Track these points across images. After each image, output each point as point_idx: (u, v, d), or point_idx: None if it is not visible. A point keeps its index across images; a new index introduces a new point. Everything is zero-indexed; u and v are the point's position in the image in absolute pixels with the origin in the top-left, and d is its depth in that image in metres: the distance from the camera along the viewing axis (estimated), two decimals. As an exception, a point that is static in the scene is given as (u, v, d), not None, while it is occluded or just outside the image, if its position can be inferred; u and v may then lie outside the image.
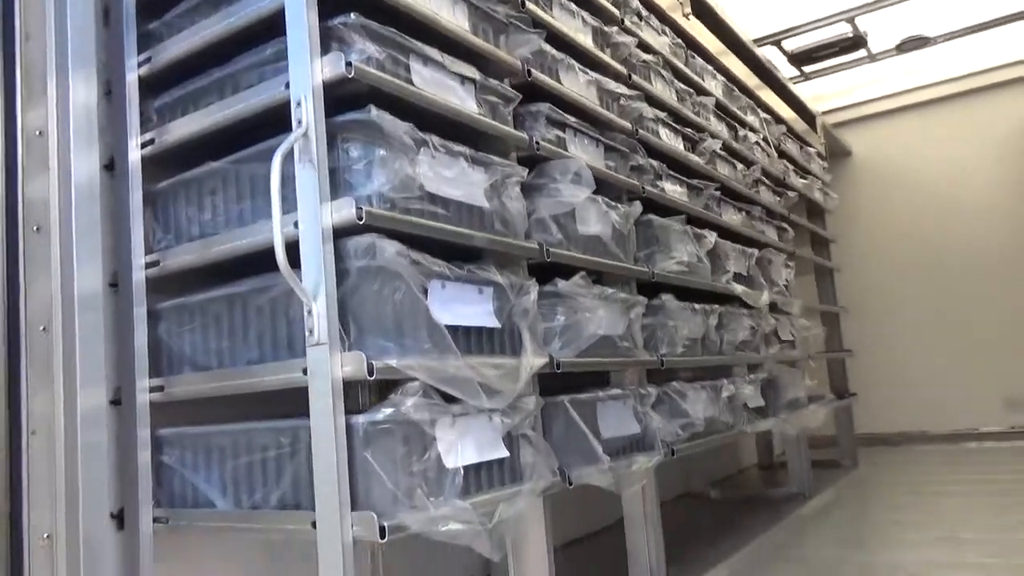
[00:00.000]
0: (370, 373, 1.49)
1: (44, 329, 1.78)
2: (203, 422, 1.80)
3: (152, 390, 1.82)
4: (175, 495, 1.80)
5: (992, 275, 5.86)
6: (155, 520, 1.79)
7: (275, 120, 1.68)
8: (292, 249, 1.55)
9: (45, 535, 1.72)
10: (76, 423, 1.72)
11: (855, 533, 3.42)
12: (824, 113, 6.01)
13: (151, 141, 1.89)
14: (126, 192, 1.86)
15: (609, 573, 2.44)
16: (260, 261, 1.69)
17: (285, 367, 1.61)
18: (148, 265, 1.86)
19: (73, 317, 1.76)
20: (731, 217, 3.59)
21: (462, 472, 1.59)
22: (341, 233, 1.56)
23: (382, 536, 1.43)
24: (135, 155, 1.88)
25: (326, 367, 1.50)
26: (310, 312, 1.52)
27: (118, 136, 1.89)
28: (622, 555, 2.53)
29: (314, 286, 1.52)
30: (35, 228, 1.82)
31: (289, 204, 1.59)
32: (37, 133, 1.84)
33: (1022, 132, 5.90)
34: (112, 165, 1.88)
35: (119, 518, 1.76)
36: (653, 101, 2.96)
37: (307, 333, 1.52)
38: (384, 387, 1.60)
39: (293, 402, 1.68)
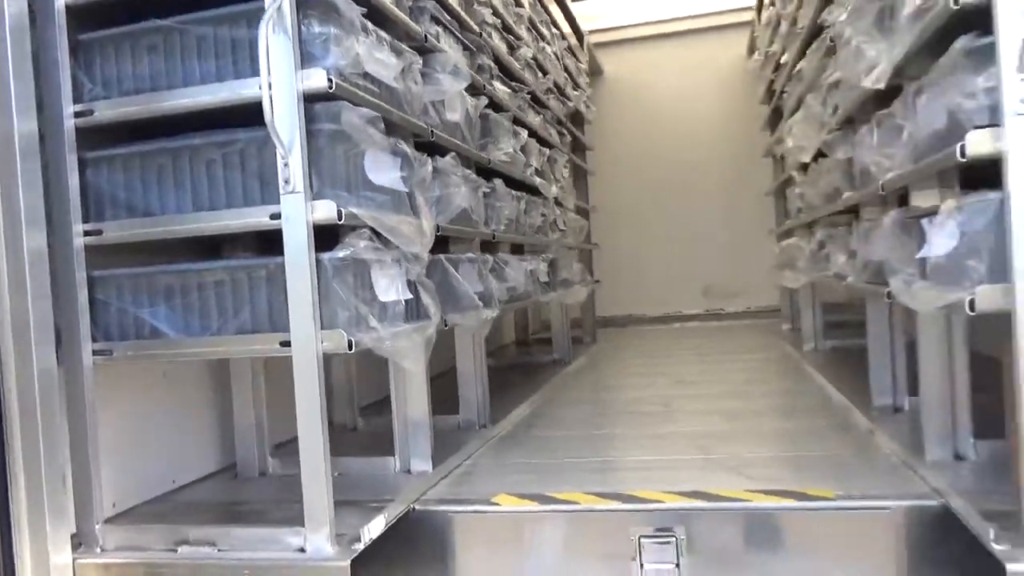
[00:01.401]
0: (340, 218, 1.81)
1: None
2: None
3: (88, 234, 1.95)
4: (122, 329, 1.96)
5: (708, 186, 7.12)
6: (96, 353, 1.95)
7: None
8: (253, 109, 1.79)
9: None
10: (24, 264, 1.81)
11: (609, 382, 4.30)
12: (589, 32, 6.74)
13: (76, -10, 1.93)
14: (53, 39, 1.90)
15: (452, 401, 2.98)
16: (211, 117, 1.89)
17: (251, 212, 1.86)
18: (78, 114, 1.94)
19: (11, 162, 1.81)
20: (533, 119, 4.14)
21: (403, 304, 1.99)
22: (310, 99, 1.82)
23: (350, 348, 1.80)
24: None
25: (301, 212, 1.79)
26: (287, 164, 1.79)
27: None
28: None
29: (290, 142, 1.78)
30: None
31: (250, 70, 1.82)
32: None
33: (738, 69, 7.14)
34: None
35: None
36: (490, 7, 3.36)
37: (282, 182, 1.79)
38: (328, 232, 1.91)
39: (229, 248, 1.94)
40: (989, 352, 2.24)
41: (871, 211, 2.71)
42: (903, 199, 2.34)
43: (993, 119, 1.52)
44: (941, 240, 1.67)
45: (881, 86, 1.99)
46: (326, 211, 1.80)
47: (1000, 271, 1.51)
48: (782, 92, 4.60)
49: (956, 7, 1.53)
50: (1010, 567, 1.43)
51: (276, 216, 1.82)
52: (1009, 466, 1.89)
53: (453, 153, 2.61)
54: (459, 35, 2.86)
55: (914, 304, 1.83)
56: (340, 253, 1.85)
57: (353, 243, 1.89)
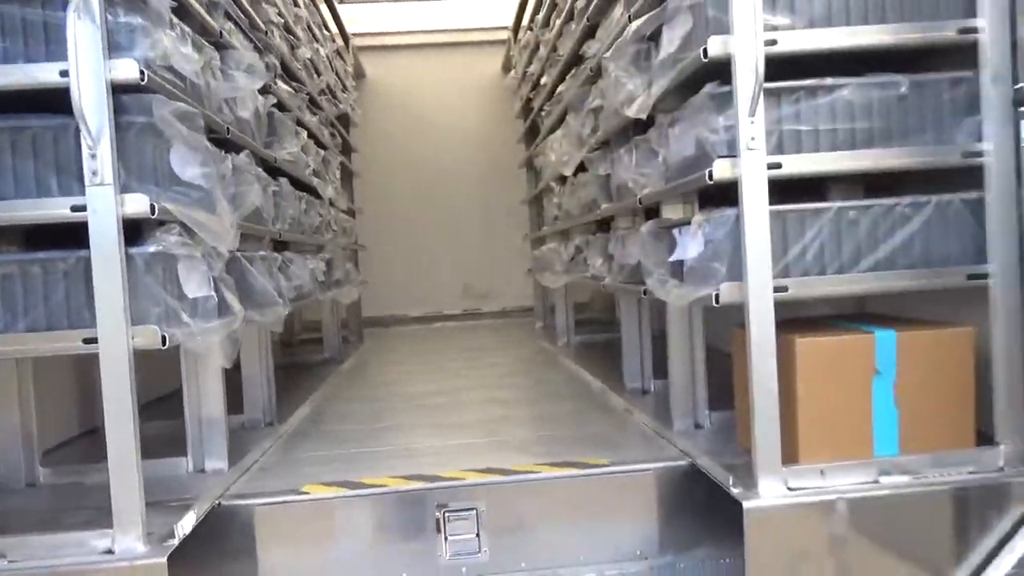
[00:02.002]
0: (152, 212, 1.79)
1: None
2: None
3: None
4: None
5: (467, 192, 7.49)
6: None
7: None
8: (54, 95, 1.72)
9: None
10: None
11: (386, 378, 4.44)
12: (354, 35, 6.80)
13: None
14: None
15: (239, 396, 2.95)
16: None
17: (48, 204, 1.77)
18: None
19: None
20: (310, 119, 4.16)
21: (214, 300, 1.99)
22: (119, 89, 1.78)
23: (163, 344, 1.79)
24: None
25: (111, 205, 1.74)
26: (94, 156, 1.73)
27: None
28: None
29: (98, 132, 1.73)
30: None
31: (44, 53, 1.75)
32: None
33: (495, 83, 7.61)
34: None
35: None
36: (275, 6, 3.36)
37: (89, 174, 1.73)
38: (130, 227, 1.88)
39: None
40: (717, 346, 2.73)
41: (625, 221, 3.15)
42: (652, 212, 2.77)
43: (731, 151, 1.92)
44: (692, 246, 2.05)
45: (643, 116, 2.36)
46: (138, 205, 1.77)
47: (737, 271, 1.91)
48: (540, 110, 5.05)
49: (705, 60, 1.90)
50: (746, 504, 1.81)
51: (79, 208, 1.76)
52: (735, 431, 2.36)
53: (247, 151, 2.61)
54: (249, 33, 2.86)
55: (669, 299, 2.22)
56: (151, 248, 1.83)
57: (164, 238, 1.87)
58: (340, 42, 5.98)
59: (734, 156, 1.90)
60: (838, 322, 2.20)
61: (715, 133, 1.97)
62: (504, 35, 7.27)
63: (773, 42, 1.88)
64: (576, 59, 3.73)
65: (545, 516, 2.14)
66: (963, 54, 1.97)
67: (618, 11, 2.81)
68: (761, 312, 1.87)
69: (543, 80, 4.80)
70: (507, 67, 7.29)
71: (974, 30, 1.95)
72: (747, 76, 1.84)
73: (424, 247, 7.45)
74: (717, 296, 1.91)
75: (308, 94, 3.93)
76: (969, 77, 1.97)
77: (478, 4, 7.04)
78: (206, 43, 2.22)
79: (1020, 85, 1.84)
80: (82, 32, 1.72)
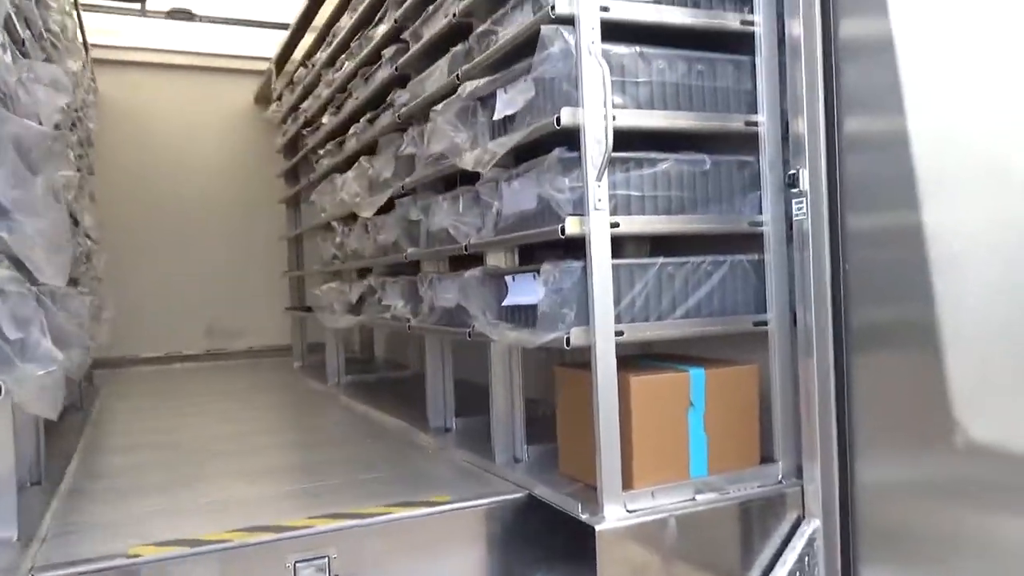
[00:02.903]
0: (-12, 244, 1.57)
1: None
2: None
3: None
4: None
5: (212, 222, 7.07)
6: None
7: None
8: None
9: None
10: None
11: (149, 424, 4.04)
12: (92, 46, 6.18)
13: None
14: None
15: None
16: None
17: None
18: None
19: None
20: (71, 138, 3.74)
21: (45, 345, 1.77)
22: (-50, 102, 1.55)
23: (-4, 394, 1.57)
24: None
25: (-63, 234, 1.51)
26: (-81, 176, 1.49)
27: None
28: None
29: (-75, 150, 1.50)
30: None
31: None
32: None
33: (244, 112, 7.33)
34: None
35: None
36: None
37: (-88, 197, 1.49)
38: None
39: None
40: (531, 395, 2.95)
41: (432, 266, 3.28)
42: (460, 260, 2.95)
43: (577, 210, 2.15)
44: (537, 293, 2.24)
45: (481, 170, 2.52)
46: (-29, 235, 1.55)
47: (583, 317, 2.13)
48: (317, 148, 5.00)
49: (557, 127, 2.12)
50: (598, 528, 2.02)
51: None
52: (554, 462, 2.58)
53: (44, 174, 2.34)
54: (38, 43, 2.56)
55: (505, 341, 2.39)
56: (-21, 284, 1.60)
57: (-7, 273, 1.64)
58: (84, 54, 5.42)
59: (581, 215, 2.13)
60: (650, 361, 2.52)
61: (561, 192, 2.19)
62: (255, 65, 7.08)
63: (613, 117, 2.16)
64: (376, 104, 3.81)
65: (396, 556, 2.17)
66: (751, 141, 2.42)
67: (441, 67, 2.97)
68: (605, 354, 2.11)
69: (324, 119, 4.78)
70: (264, 99, 7.07)
71: (755, 123, 2.41)
72: (595, 145, 2.09)
73: (164, 282, 6.89)
74: (568, 339, 2.12)
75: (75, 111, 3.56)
76: (751, 161, 2.42)
77: (228, 30, 6.77)
78: (21, 56, 1.98)
79: (791, 171, 2.30)
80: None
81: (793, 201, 2.30)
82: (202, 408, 4.42)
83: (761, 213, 2.41)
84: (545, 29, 2.12)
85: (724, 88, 2.38)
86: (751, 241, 2.42)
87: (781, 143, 2.40)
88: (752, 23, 2.38)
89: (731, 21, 2.37)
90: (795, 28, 2.28)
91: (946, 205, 1.93)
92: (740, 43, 2.41)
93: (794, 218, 2.30)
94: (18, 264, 1.73)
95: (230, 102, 7.30)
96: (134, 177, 6.84)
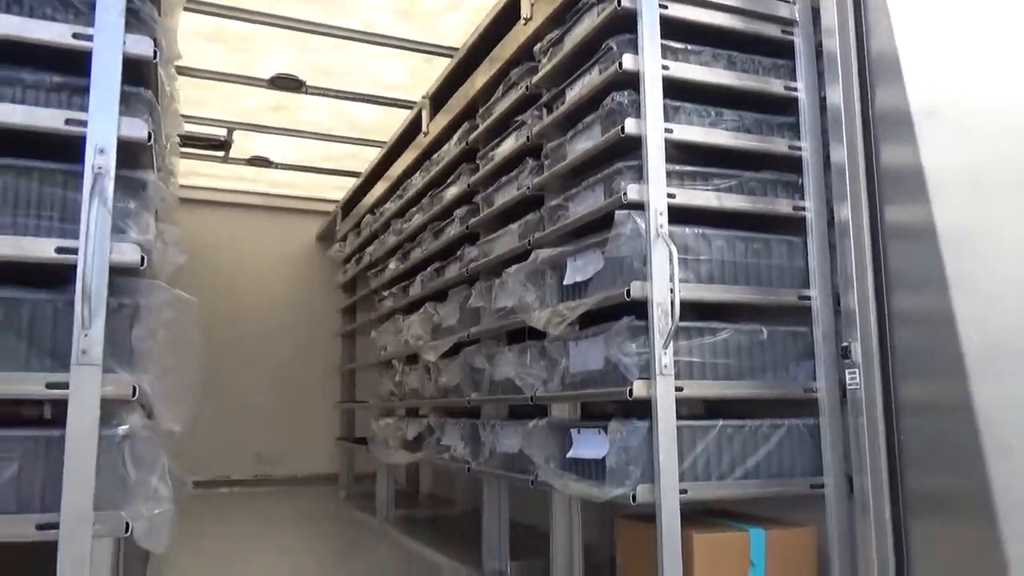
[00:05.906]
0: (133, 394, 1.79)
1: None
2: None
3: None
4: None
5: (265, 355, 7.36)
6: None
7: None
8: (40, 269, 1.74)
9: None
10: None
11: (210, 557, 4.15)
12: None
13: None
14: None
15: None
16: None
17: (25, 379, 1.71)
18: None
19: None
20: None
21: (163, 484, 1.95)
22: (117, 271, 1.82)
23: (126, 532, 1.75)
24: None
25: (95, 384, 1.73)
26: (87, 334, 1.73)
27: None
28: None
29: (95, 311, 1.75)
30: None
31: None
32: None
33: (306, 249, 7.78)
34: None
35: None
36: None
37: (79, 352, 1.72)
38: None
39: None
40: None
41: (492, 410, 3.45)
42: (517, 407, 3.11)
43: (644, 373, 2.33)
44: (601, 448, 2.39)
45: (551, 330, 2.74)
46: (119, 387, 1.77)
47: (648, 475, 2.27)
48: (379, 290, 5.32)
49: (628, 299, 2.34)
50: None
51: (56, 385, 1.72)
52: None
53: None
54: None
55: (567, 491, 2.52)
56: (121, 429, 1.81)
57: (132, 419, 1.85)
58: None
59: (647, 378, 2.31)
60: (710, 519, 2.61)
61: (628, 356, 2.38)
62: (319, 206, 7.59)
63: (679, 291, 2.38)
64: (444, 255, 4.11)
65: None
66: (804, 313, 2.60)
67: (512, 231, 3.25)
68: (670, 511, 2.23)
69: (390, 264, 5.11)
70: (327, 238, 7.51)
71: (808, 297, 2.60)
72: (662, 316, 2.30)
73: (218, 410, 7.10)
74: (634, 496, 2.24)
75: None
76: (805, 332, 2.60)
77: (294, 174, 7.28)
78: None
79: (844, 344, 2.46)
80: (95, 213, 1.77)
81: (847, 371, 2.46)
82: (268, 534, 4.51)
83: (815, 380, 2.56)
84: (619, 214, 2.38)
85: (779, 265, 2.60)
86: (806, 406, 2.56)
87: (833, 316, 2.58)
88: (803, 208, 2.63)
89: (783, 207, 2.62)
90: (843, 212, 2.50)
91: (992, 383, 2.07)
92: (792, 225, 2.65)
93: (848, 387, 2.45)
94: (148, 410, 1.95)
95: (293, 239, 7.77)
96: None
